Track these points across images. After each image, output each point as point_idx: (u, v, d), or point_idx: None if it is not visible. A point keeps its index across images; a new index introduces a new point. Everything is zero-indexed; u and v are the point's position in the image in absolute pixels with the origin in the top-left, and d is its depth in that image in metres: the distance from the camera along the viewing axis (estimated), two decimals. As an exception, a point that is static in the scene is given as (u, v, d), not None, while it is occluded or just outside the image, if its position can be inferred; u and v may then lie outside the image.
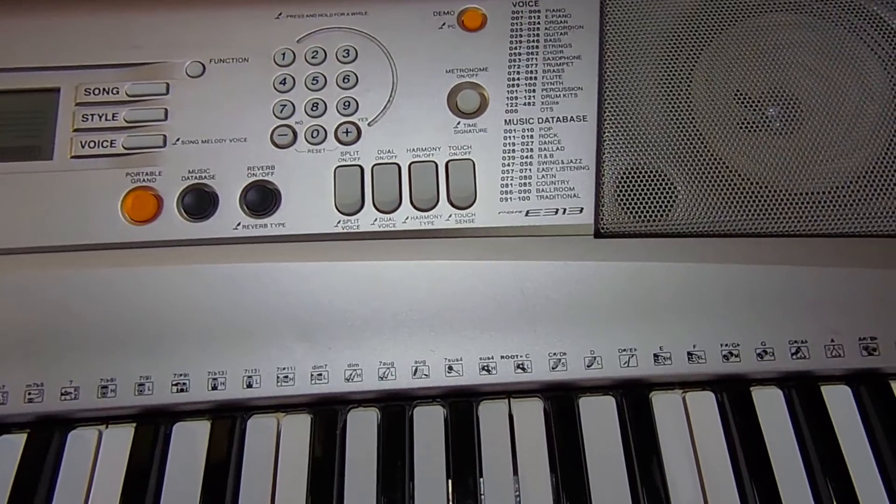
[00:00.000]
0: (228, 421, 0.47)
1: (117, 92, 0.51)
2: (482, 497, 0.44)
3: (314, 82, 0.52)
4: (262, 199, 0.49)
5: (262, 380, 0.46)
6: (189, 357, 0.47)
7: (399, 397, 0.47)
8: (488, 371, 0.46)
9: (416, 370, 0.46)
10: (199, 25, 0.52)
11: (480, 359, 0.46)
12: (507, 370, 0.46)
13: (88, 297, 0.47)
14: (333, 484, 0.45)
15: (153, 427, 0.46)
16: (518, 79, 0.51)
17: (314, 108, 0.51)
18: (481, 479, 0.45)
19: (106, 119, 0.51)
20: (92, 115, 0.51)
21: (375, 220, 0.49)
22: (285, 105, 0.51)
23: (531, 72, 0.51)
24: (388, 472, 0.45)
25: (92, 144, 0.50)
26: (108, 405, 0.45)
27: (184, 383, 0.46)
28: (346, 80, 0.52)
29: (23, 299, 0.47)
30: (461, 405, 0.47)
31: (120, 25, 0.52)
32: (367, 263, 0.47)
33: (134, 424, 0.47)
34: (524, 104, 0.50)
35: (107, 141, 0.50)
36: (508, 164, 0.49)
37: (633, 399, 0.47)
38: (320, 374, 0.46)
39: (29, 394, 0.46)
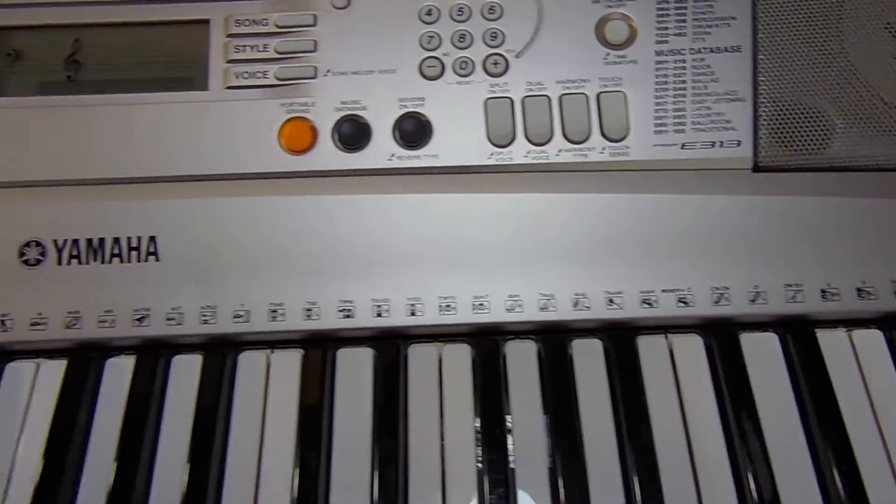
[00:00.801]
0: (393, 347, 0.48)
1: (266, 23, 0.51)
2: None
3: (459, 13, 0.51)
4: (415, 130, 0.49)
5: (425, 308, 0.48)
6: (352, 284, 0.48)
7: (559, 329, 0.48)
8: (650, 304, 0.47)
9: (576, 302, 0.47)
10: (342, -45, 0.54)
11: (641, 292, 0.47)
12: (669, 304, 0.47)
13: (249, 224, 0.49)
14: (502, 407, 0.46)
15: (321, 351, 0.48)
16: (668, 8, 0.50)
17: (461, 40, 0.51)
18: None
19: (257, 50, 0.51)
20: (244, 46, 0.51)
21: (528, 152, 0.49)
22: (432, 36, 0.51)
23: (681, 1, 0.51)
24: (556, 402, 0.46)
25: (246, 75, 0.51)
26: (277, 328, 0.47)
27: (349, 310, 0.48)
28: (491, 11, 0.51)
29: (188, 223, 0.48)
30: (621, 337, 0.47)
31: (265, -43, 0.54)
32: (521, 196, 0.48)
33: (301, 350, 0.48)
34: (675, 34, 0.50)
35: (260, 72, 0.51)
36: (662, 97, 0.49)
37: (799, 337, 0.46)
38: (481, 304, 0.48)
39: (203, 315, 0.48)
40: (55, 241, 0.49)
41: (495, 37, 0.51)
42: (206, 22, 0.52)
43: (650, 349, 0.47)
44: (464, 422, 0.46)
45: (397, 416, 0.46)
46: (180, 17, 0.52)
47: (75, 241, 0.49)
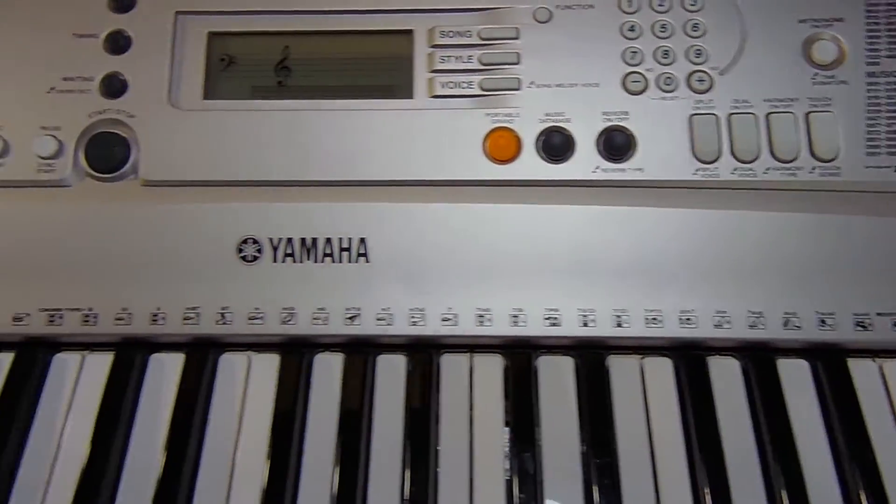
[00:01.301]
0: (595, 357, 0.49)
1: (470, 35, 0.53)
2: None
3: (662, 30, 0.52)
4: (620, 143, 0.51)
5: (631, 320, 0.48)
6: (557, 293, 0.49)
7: (766, 348, 0.48)
8: (864, 328, 0.47)
9: (786, 322, 0.48)
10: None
11: (854, 315, 0.47)
12: (885, 327, 0.47)
13: (456, 229, 0.50)
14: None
15: (525, 355, 0.49)
16: (878, 30, 0.51)
17: (664, 56, 0.52)
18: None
19: (462, 61, 0.53)
20: (448, 56, 0.53)
21: (735, 169, 0.50)
22: (635, 52, 0.52)
23: (892, 23, 0.51)
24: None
25: (451, 85, 0.53)
26: (481, 332, 0.48)
27: (555, 318, 0.49)
28: (694, 29, 0.52)
29: (398, 226, 0.50)
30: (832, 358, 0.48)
31: (469, -30, 0.55)
32: (728, 213, 0.49)
33: (500, 355, 0.50)
34: (887, 56, 0.50)
35: (465, 82, 0.53)
36: (874, 118, 0.49)
37: None
38: (689, 319, 0.48)
39: (412, 317, 0.49)
40: (270, 239, 0.51)
41: (699, 54, 0.52)
42: (409, 32, 0.54)
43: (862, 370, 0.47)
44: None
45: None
46: (385, 27, 0.54)
47: (289, 240, 0.51)
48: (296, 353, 0.50)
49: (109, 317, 0.50)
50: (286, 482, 0.46)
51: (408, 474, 0.46)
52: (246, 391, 0.49)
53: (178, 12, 0.53)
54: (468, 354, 0.50)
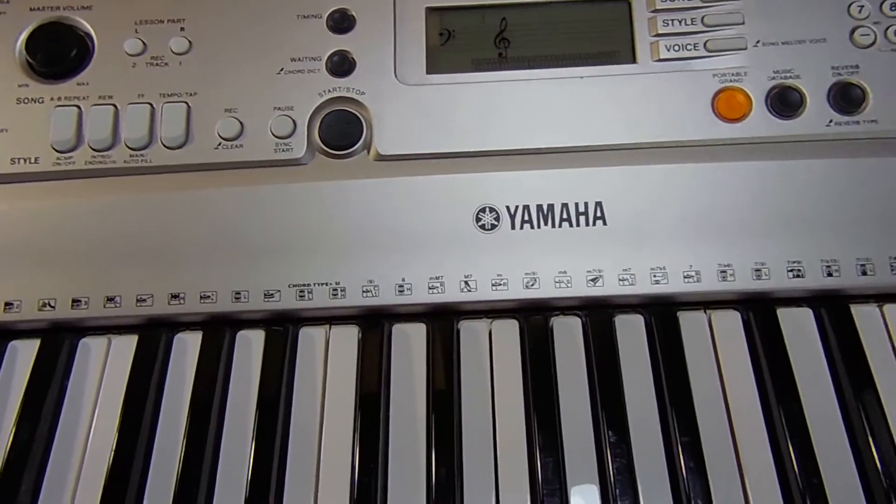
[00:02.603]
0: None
1: (691, -1, 0.55)
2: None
3: (885, -17, 0.54)
4: (853, 96, 0.51)
5: (875, 268, 0.49)
6: (801, 244, 0.49)
7: None
8: None
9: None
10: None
11: None
12: None
13: (686, 189, 0.50)
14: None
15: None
16: None
17: (892, 8, 0.52)
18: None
19: (685, 24, 0.53)
20: (671, 20, 0.53)
21: (976, 115, 0.51)
22: (862, 6, 0.52)
23: None
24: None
25: (676, 48, 0.53)
26: (721, 287, 0.49)
27: (798, 269, 0.49)
28: (919, -20, 0.53)
29: (631, 189, 0.50)
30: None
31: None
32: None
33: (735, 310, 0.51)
34: None
35: (690, 44, 0.53)
36: None
37: None
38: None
39: (654, 276, 0.49)
40: (508, 207, 0.52)
41: (928, 4, 0.53)
42: (626, 0, 0.55)
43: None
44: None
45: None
46: (604, -5, 0.56)
47: (526, 207, 0.52)
48: (538, 317, 0.51)
49: (357, 289, 0.50)
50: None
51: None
52: (492, 356, 0.50)
53: (396, -11, 0.56)
54: (703, 311, 0.50)
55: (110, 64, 0.53)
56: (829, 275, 0.50)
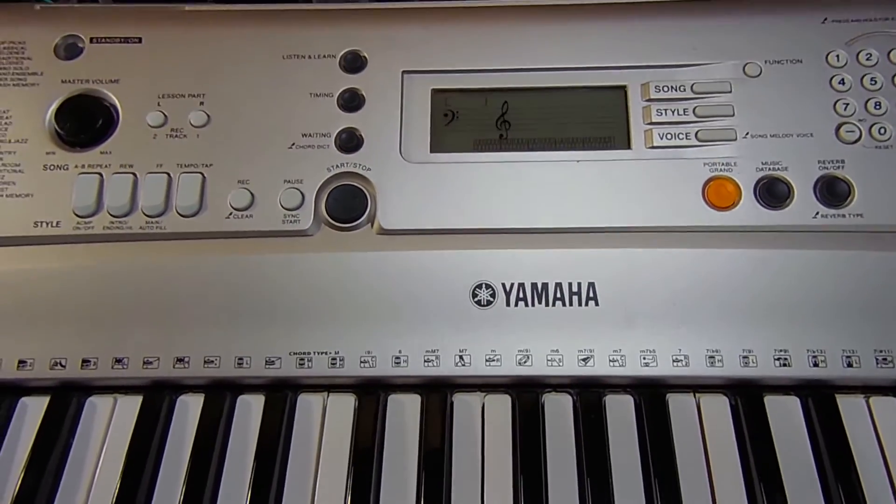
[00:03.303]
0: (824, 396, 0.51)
1: (684, 89, 0.56)
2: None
3: (872, 82, 0.55)
4: (838, 190, 0.53)
5: (861, 360, 0.50)
6: (786, 334, 0.51)
7: None
8: None
9: None
10: (750, 30, 0.56)
11: None
12: None
13: (676, 273, 0.52)
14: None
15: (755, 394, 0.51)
16: None
17: (877, 107, 0.55)
18: None
19: (678, 114, 0.56)
20: (664, 109, 0.56)
21: (958, 213, 0.53)
22: (847, 104, 0.55)
23: None
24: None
25: (669, 136, 0.55)
26: (711, 373, 0.50)
27: (785, 358, 0.50)
28: (904, 80, 0.56)
29: (624, 271, 0.52)
30: None
31: (678, 30, 0.57)
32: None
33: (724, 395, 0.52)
34: None
35: (682, 133, 0.56)
36: None
37: None
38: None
39: (644, 358, 0.51)
40: (503, 284, 0.54)
41: (911, 104, 0.55)
42: (623, 87, 0.57)
43: None
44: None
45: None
46: (599, 83, 0.57)
47: (521, 285, 0.54)
48: (530, 393, 0.52)
49: (355, 360, 0.52)
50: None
51: None
52: (483, 430, 0.52)
53: (404, 71, 0.57)
54: (692, 394, 0.52)
55: (133, 134, 0.56)
56: (816, 365, 0.51)
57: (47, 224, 0.54)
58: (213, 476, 0.50)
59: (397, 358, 0.52)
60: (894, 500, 0.48)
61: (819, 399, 0.51)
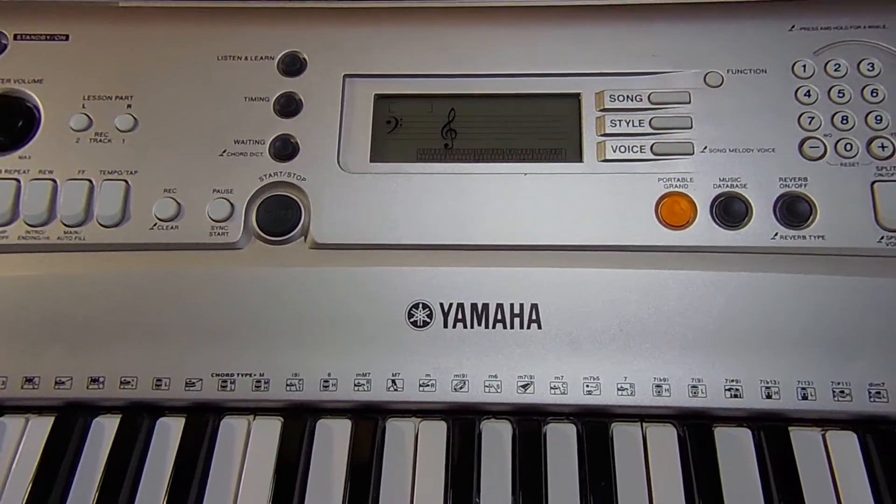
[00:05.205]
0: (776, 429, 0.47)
1: (640, 99, 0.53)
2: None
3: (839, 95, 0.51)
4: (799, 210, 0.50)
5: (817, 392, 0.47)
6: (738, 362, 0.48)
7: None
8: None
9: None
10: (713, 36, 0.53)
11: None
12: None
13: (626, 296, 0.49)
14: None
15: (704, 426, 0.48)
16: None
17: (843, 122, 0.51)
18: None
19: (633, 125, 0.53)
20: (619, 120, 0.53)
21: (924, 238, 0.50)
22: (813, 117, 0.52)
23: None
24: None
25: (623, 149, 0.52)
26: (658, 402, 0.47)
27: (736, 389, 0.47)
28: (873, 94, 0.51)
29: (568, 292, 0.49)
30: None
31: (637, 35, 0.54)
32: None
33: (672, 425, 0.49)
34: None
35: (636, 146, 0.52)
36: None
37: None
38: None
39: (587, 386, 0.48)
40: (441, 304, 0.51)
41: (880, 119, 0.51)
42: (577, 96, 0.54)
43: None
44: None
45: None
46: (552, 90, 0.54)
47: (460, 305, 0.51)
48: (467, 422, 0.49)
49: (281, 382, 0.49)
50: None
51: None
52: (416, 458, 0.49)
53: (346, 75, 0.54)
54: (639, 424, 0.49)
55: (54, 138, 0.53)
56: (769, 396, 0.48)
57: (-42, 232, 0.53)
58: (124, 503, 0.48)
59: (325, 381, 0.49)
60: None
61: (771, 432, 0.48)
